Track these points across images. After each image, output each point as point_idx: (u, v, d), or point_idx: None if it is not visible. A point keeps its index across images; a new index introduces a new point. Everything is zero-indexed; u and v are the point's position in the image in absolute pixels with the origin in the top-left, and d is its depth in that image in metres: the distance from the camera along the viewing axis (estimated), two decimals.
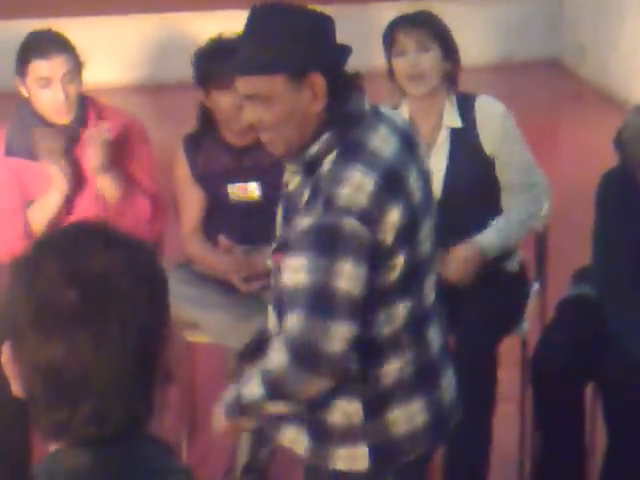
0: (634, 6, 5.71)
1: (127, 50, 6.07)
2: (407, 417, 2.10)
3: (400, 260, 1.98)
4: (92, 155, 2.96)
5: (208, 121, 3.11)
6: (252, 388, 2.06)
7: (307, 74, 1.98)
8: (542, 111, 5.87)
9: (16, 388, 1.18)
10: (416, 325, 2.08)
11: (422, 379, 2.11)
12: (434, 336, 2.14)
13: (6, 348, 1.17)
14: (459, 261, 2.85)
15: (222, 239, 3.02)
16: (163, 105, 5.92)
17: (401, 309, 2.03)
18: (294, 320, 1.96)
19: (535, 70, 6.34)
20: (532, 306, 3.13)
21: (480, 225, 2.91)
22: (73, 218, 3.01)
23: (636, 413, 2.74)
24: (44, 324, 1.13)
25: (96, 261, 1.15)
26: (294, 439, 2.14)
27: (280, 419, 2.15)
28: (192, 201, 3.16)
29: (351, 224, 1.91)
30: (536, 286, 3.19)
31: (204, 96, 3.05)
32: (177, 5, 6.02)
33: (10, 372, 1.17)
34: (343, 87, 2.02)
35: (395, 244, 1.96)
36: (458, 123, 2.93)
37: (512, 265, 3.02)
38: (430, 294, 2.12)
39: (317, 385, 1.99)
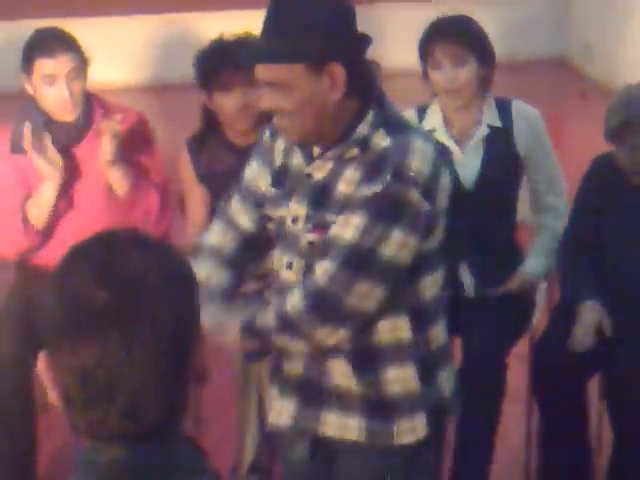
0: (639, 6, 5.70)
1: (131, 50, 6.08)
2: (449, 378, 2.17)
3: (442, 225, 2.08)
4: (104, 146, 2.96)
5: (211, 122, 3.10)
6: (267, 316, 2.09)
7: (327, 64, 2.00)
8: (549, 110, 5.84)
9: (53, 396, 1.19)
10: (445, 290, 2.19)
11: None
12: None
13: (42, 357, 1.18)
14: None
15: None
16: (167, 105, 5.92)
17: (440, 273, 2.12)
18: (323, 270, 2.01)
19: (542, 69, 6.33)
20: (540, 304, 3.13)
21: (505, 219, 2.96)
22: (76, 212, 3.01)
23: None
24: (77, 326, 1.14)
25: (127, 262, 1.16)
26: (344, 425, 2.13)
27: (320, 408, 2.14)
28: (197, 201, 3.16)
29: (415, 196, 1.98)
30: (544, 284, 3.18)
31: (207, 98, 3.04)
32: (181, 6, 6.02)
33: (47, 380, 1.19)
34: (362, 77, 2.05)
35: (442, 209, 2.06)
36: (497, 123, 2.94)
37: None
38: None
39: (332, 336, 2.03)
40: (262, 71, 2.05)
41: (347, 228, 2.00)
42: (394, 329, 2.09)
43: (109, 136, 2.94)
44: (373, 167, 2.01)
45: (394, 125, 2.05)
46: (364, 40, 2.08)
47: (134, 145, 3.06)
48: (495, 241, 2.97)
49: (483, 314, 2.90)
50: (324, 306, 2.02)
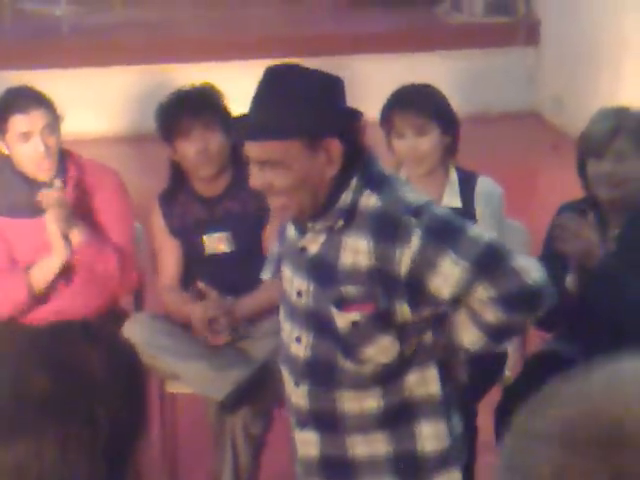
0: (610, 59, 5.81)
1: (108, 101, 6.10)
2: (458, 424, 2.16)
3: None
4: (49, 223, 2.94)
5: (179, 175, 3.14)
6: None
7: (323, 139, 1.96)
8: (521, 161, 5.93)
9: None
10: None
11: None
12: None
13: None
14: None
15: (200, 284, 3.04)
16: (145, 155, 5.94)
17: None
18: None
19: (513, 121, 6.41)
20: (513, 356, 3.14)
21: None
22: None
23: None
24: (11, 417, 1.09)
25: (73, 354, 1.12)
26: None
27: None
28: (168, 254, 3.17)
29: (440, 209, 2.07)
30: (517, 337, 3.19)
31: (170, 149, 3.09)
32: (158, 57, 6.06)
33: None
34: (357, 150, 2.02)
35: None
36: (458, 203, 2.94)
37: None
38: None
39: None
40: (254, 149, 1.97)
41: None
42: (424, 382, 2.07)
43: (53, 209, 2.92)
44: (381, 225, 1.97)
45: (378, 182, 2.02)
46: (356, 113, 2.05)
47: (92, 204, 3.06)
48: None
49: None
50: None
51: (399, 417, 2.06)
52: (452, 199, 2.96)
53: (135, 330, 2.87)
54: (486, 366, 2.98)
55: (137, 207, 3.26)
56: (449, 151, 2.96)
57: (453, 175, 2.97)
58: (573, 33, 6.19)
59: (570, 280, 2.67)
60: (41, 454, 1.07)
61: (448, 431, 2.08)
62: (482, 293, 1.99)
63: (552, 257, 2.80)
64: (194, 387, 2.97)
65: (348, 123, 2.03)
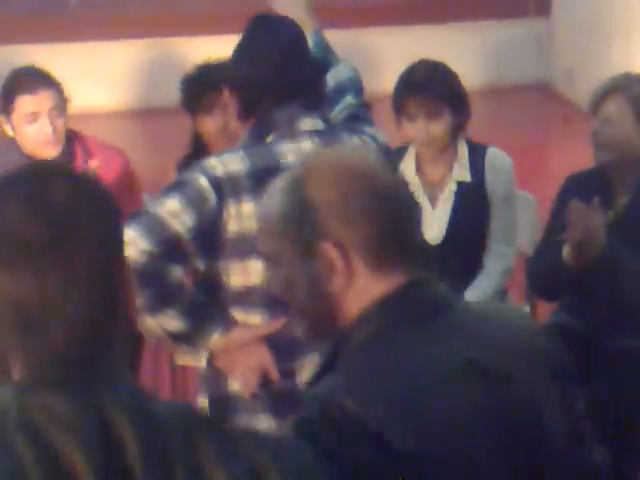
0: (621, 31, 5.76)
1: (116, 75, 6.09)
2: None
3: None
4: None
5: (199, 145, 3.13)
6: None
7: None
8: (531, 134, 5.90)
9: None
10: None
11: None
12: None
13: None
14: None
15: None
16: (151, 129, 5.93)
17: None
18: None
19: (524, 94, 6.37)
20: None
21: (473, 270, 2.94)
22: None
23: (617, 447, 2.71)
24: (11, 259, 1.13)
25: (56, 193, 1.15)
26: None
27: None
28: None
29: None
30: (526, 309, 3.19)
31: (193, 121, 3.08)
32: (165, 30, 6.05)
33: None
34: None
35: None
36: (467, 177, 2.92)
37: None
38: None
39: None
40: None
41: None
42: None
43: None
44: None
45: None
46: None
47: (117, 194, 3.03)
48: (465, 286, 2.94)
49: None
50: None
51: None
52: (461, 173, 2.95)
53: None
54: None
55: (146, 181, 3.26)
56: (459, 128, 2.95)
57: (463, 149, 2.95)
58: (584, 5, 6.14)
59: (567, 252, 2.66)
60: (43, 289, 1.12)
61: None
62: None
63: (556, 227, 2.78)
64: None
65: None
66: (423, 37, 5.87)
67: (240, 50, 2.13)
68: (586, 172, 2.90)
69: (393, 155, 2.23)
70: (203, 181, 2.07)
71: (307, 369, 2.13)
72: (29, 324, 1.13)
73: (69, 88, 3.02)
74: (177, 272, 2.04)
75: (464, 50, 6.17)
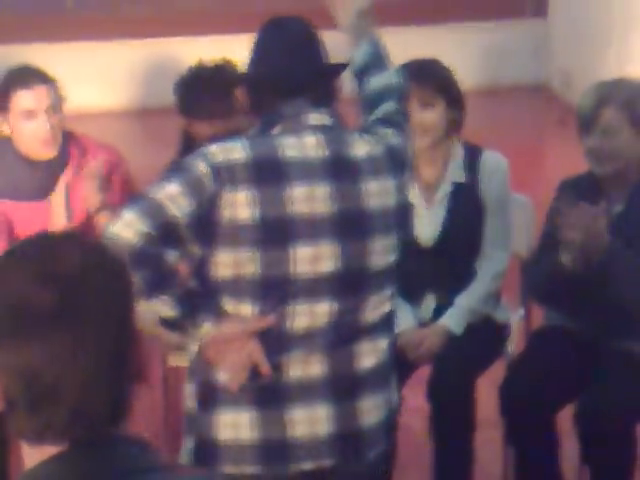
0: (618, 33, 5.76)
1: (113, 75, 6.08)
2: None
3: None
4: (89, 193, 2.90)
5: (191, 145, 3.11)
6: None
7: None
8: (528, 135, 5.90)
9: None
10: None
11: None
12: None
13: None
14: (424, 345, 2.87)
15: None
16: (148, 129, 5.93)
17: None
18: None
19: (521, 95, 6.37)
20: (517, 331, 3.14)
21: (468, 272, 2.94)
22: None
23: (614, 449, 2.70)
24: (21, 327, 1.13)
25: (67, 261, 1.15)
26: None
27: None
28: None
29: None
30: (521, 312, 3.19)
31: (187, 123, 3.05)
32: (162, 31, 6.04)
33: None
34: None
35: None
36: (462, 178, 2.93)
37: (501, 315, 3.03)
38: None
39: None
40: None
41: None
42: None
43: (93, 181, 2.89)
44: None
45: None
46: None
47: (111, 189, 3.02)
48: (458, 287, 2.94)
49: (450, 344, 2.89)
50: None
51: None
52: (456, 174, 2.95)
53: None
54: (488, 339, 2.98)
55: (141, 182, 3.25)
56: (454, 126, 2.95)
57: (458, 150, 2.96)
58: (582, 6, 6.14)
59: (566, 255, 2.66)
60: (53, 358, 1.12)
61: None
62: None
63: (552, 232, 2.78)
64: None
65: None
66: (419, 38, 5.86)
67: (251, 49, 2.23)
68: (580, 177, 2.90)
69: (408, 157, 2.25)
70: (203, 167, 2.09)
71: (294, 364, 2.13)
72: (40, 394, 1.13)
73: (64, 87, 3.02)
74: (172, 257, 2.06)
75: (461, 51, 6.17)
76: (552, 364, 2.83)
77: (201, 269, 2.12)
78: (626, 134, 2.75)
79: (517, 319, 3.16)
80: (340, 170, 2.14)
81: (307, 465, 2.15)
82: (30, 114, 2.90)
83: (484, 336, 2.95)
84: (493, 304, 2.99)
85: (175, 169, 2.15)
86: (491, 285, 2.97)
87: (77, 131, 3.11)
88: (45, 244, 1.19)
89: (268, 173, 2.10)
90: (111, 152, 3.11)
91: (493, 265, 2.97)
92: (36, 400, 1.13)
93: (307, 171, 2.11)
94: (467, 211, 2.95)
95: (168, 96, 3.24)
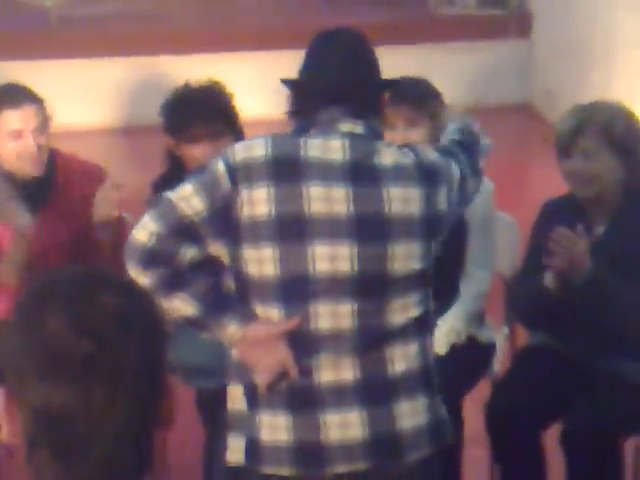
0: (601, 53, 5.81)
1: (100, 93, 6.09)
2: None
3: None
4: (100, 209, 2.90)
5: (176, 165, 3.11)
6: None
7: None
8: (512, 154, 5.93)
9: (6, 434, 1.16)
10: None
11: None
12: None
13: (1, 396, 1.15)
14: None
15: None
16: (136, 148, 5.93)
17: None
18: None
19: (505, 114, 6.41)
20: (502, 350, 3.15)
21: (452, 292, 2.95)
22: (43, 269, 2.97)
23: (601, 467, 2.71)
24: (56, 372, 1.10)
25: (104, 308, 1.13)
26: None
27: None
28: None
29: None
30: (505, 331, 3.20)
31: (174, 145, 3.05)
32: (149, 49, 6.05)
33: (3, 418, 1.15)
34: None
35: None
36: None
37: (485, 335, 3.04)
38: None
39: None
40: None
41: None
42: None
43: (105, 200, 2.89)
44: None
45: None
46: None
47: (84, 201, 3.00)
48: (442, 308, 2.94)
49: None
50: None
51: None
52: None
53: None
54: (473, 359, 2.99)
55: (128, 200, 3.25)
56: (439, 143, 2.96)
57: None
58: (565, 26, 6.19)
59: (549, 278, 2.67)
60: (89, 404, 1.10)
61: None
62: None
63: (535, 253, 2.79)
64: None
65: None
66: (403, 57, 5.89)
67: (304, 55, 2.29)
68: (562, 198, 2.92)
69: (444, 172, 2.26)
70: (220, 166, 2.17)
71: (325, 368, 2.14)
72: (70, 441, 1.11)
73: (52, 106, 3.01)
74: (188, 254, 2.12)
75: (445, 70, 6.20)
76: (537, 382, 2.84)
77: (232, 270, 2.17)
78: (606, 157, 2.78)
79: (502, 338, 3.17)
80: (360, 174, 2.18)
81: (342, 468, 2.17)
82: (17, 134, 2.90)
83: (468, 356, 2.96)
84: (477, 324, 3.00)
85: (198, 169, 2.25)
86: (474, 305, 2.98)
87: (63, 149, 3.11)
88: (83, 285, 1.15)
89: (286, 170, 2.15)
90: (96, 170, 3.10)
91: (475, 285, 2.98)
92: (64, 446, 1.11)
93: (325, 171, 2.16)
94: (451, 231, 2.96)
95: (155, 114, 3.25)
